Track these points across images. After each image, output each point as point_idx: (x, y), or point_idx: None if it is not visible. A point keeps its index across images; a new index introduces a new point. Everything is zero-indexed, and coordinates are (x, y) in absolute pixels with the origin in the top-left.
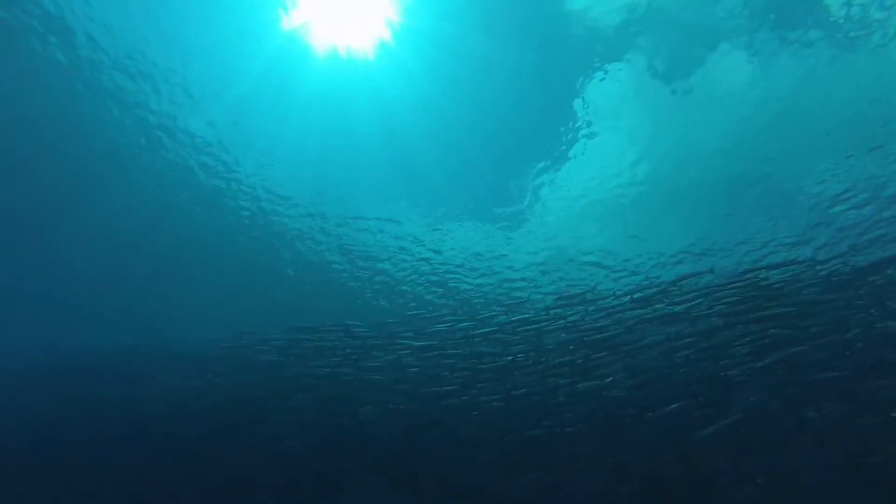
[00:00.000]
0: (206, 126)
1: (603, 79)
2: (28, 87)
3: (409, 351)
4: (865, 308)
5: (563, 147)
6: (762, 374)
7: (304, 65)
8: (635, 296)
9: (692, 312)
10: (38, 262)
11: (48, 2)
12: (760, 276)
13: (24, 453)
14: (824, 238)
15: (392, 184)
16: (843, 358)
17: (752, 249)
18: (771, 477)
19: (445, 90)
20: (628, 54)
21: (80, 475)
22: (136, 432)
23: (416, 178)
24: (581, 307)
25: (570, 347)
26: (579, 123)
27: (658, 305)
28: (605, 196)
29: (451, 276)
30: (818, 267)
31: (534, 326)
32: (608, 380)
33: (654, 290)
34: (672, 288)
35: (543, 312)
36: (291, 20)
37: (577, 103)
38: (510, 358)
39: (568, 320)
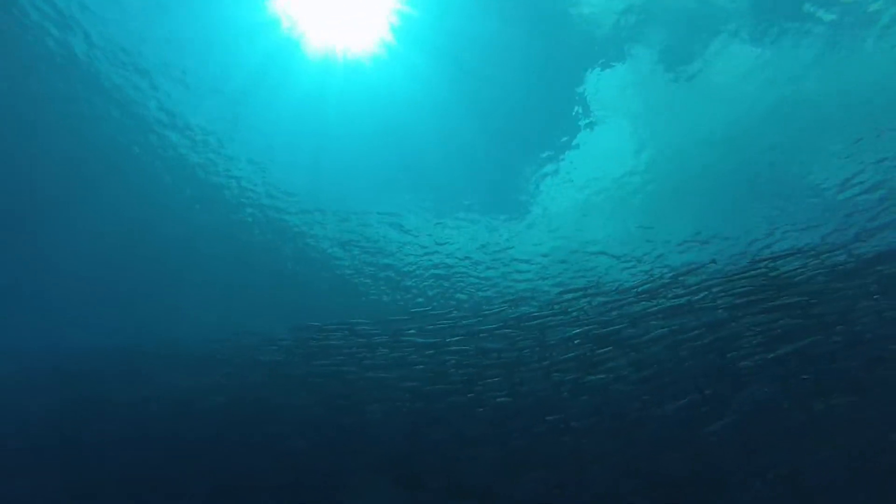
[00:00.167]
0: (205, 122)
1: (606, 68)
2: (26, 86)
3: (413, 348)
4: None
5: (567, 137)
6: (771, 365)
7: (304, 59)
8: (640, 288)
9: (698, 304)
10: (39, 261)
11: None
12: (768, 265)
13: (25, 453)
14: (832, 225)
15: (395, 177)
16: (852, 348)
17: (758, 238)
18: (780, 473)
19: (448, 82)
20: (631, 43)
21: (82, 475)
22: (140, 433)
23: (418, 171)
24: (585, 300)
25: (576, 342)
26: (582, 113)
27: (662, 298)
28: (609, 186)
29: (456, 269)
30: (825, 255)
31: (538, 321)
32: (613, 375)
33: (660, 280)
34: (678, 278)
35: (548, 306)
36: (292, 14)
37: (580, 93)
38: (515, 353)
39: (573, 314)
